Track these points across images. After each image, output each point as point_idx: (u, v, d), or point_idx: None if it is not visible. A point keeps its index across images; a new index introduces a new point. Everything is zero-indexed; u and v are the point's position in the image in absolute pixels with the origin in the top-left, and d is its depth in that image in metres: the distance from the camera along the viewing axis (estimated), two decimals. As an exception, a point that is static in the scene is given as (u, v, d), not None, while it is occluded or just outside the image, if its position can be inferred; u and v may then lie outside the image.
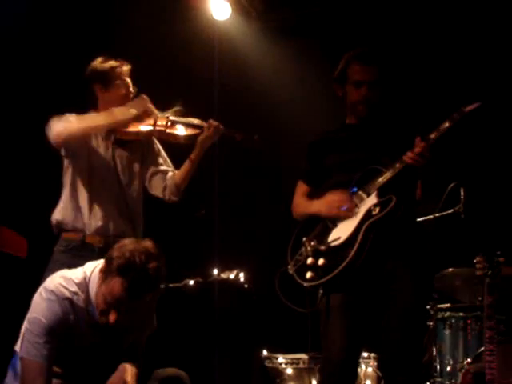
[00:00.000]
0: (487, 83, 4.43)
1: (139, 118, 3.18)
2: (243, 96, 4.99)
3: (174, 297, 3.94)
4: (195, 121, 3.25)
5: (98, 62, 3.26)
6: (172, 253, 4.61)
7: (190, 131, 3.23)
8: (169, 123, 3.21)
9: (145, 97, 3.23)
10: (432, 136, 2.67)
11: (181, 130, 3.23)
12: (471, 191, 3.92)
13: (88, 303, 2.47)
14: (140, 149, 3.31)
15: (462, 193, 3.91)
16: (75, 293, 2.47)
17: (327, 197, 2.82)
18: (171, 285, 3.96)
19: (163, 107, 3.30)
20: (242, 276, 4.05)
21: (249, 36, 5.06)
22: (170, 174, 3.31)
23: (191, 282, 3.98)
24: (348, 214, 2.76)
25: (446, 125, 2.66)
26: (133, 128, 3.21)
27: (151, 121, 3.21)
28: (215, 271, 4.12)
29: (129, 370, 2.49)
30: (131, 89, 3.27)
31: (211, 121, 3.21)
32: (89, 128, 3.15)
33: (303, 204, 2.97)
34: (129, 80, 3.27)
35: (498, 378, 3.16)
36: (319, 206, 2.84)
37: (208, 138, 3.20)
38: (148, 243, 2.45)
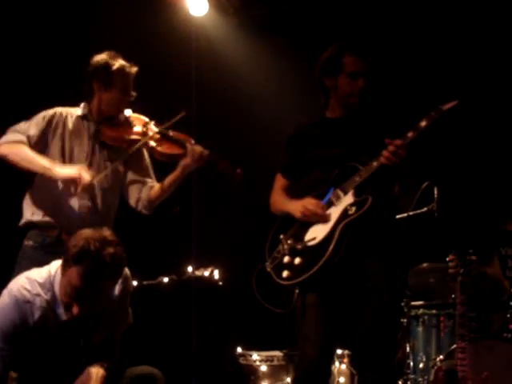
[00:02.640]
0: (464, 82, 4.48)
1: (69, 181, 3.04)
2: (220, 91, 4.98)
3: (149, 294, 3.93)
4: (183, 139, 3.20)
5: (106, 58, 3.16)
6: (146, 250, 4.62)
7: (175, 150, 3.18)
8: (157, 137, 3.17)
9: (86, 173, 3.04)
10: (409, 135, 2.66)
11: (166, 147, 3.18)
12: (444, 190, 3.96)
13: (53, 302, 2.45)
14: (124, 153, 3.23)
15: (435, 192, 3.95)
16: (37, 294, 2.45)
17: (303, 201, 2.79)
18: (146, 282, 3.96)
19: (149, 108, 3.25)
20: (216, 273, 4.05)
21: (226, 32, 5.05)
22: (147, 185, 3.27)
23: (166, 280, 3.97)
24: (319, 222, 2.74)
25: (424, 123, 2.65)
26: (120, 134, 3.16)
27: (140, 131, 3.16)
28: (190, 268, 4.12)
29: (93, 375, 2.45)
30: (132, 94, 3.20)
31: (197, 147, 3.16)
32: (23, 165, 3.05)
33: (280, 201, 2.95)
34: (131, 85, 3.19)
35: (469, 375, 3.20)
36: (294, 208, 2.82)
37: (191, 163, 3.15)
38: (105, 231, 2.44)
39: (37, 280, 2.48)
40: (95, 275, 2.33)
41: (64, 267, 2.40)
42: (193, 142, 3.21)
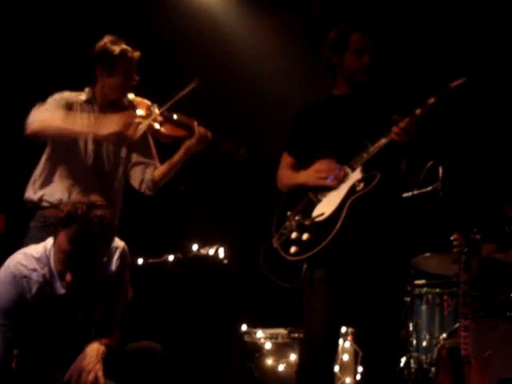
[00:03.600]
0: (471, 60, 4.46)
1: (119, 133, 3.09)
2: (224, 68, 4.96)
3: (154, 272, 3.95)
4: (186, 121, 3.20)
5: (109, 43, 3.15)
6: (152, 229, 4.63)
7: (179, 132, 3.18)
8: (160, 119, 3.16)
9: (133, 113, 3.12)
10: (417, 111, 2.65)
11: (170, 129, 3.18)
12: (449, 169, 3.96)
13: (50, 276, 2.46)
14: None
15: (440, 171, 3.95)
16: (33, 269, 2.46)
17: (315, 166, 2.80)
18: (151, 260, 3.97)
19: (151, 85, 3.23)
20: (221, 251, 4.06)
21: (228, 7, 5.02)
22: (150, 167, 3.28)
23: (171, 258, 3.98)
24: (335, 184, 2.74)
25: (432, 100, 2.64)
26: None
27: (144, 114, 3.16)
28: (195, 247, 4.13)
29: (93, 352, 2.45)
30: (135, 78, 3.20)
31: (201, 128, 3.17)
32: (67, 131, 3.06)
33: (289, 175, 2.95)
34: (134, 69, 3.18)
35: (472, 354, 3.22)
36: (306, 175, 2.82)
37: (195, 145, 3.16)
38: (93, 196, 2.46)
39: (33, 255, 2.49)
40: (83, 237, 2.34)
41: (54, 234, 2.42)
42: (196, 123, 3.20)
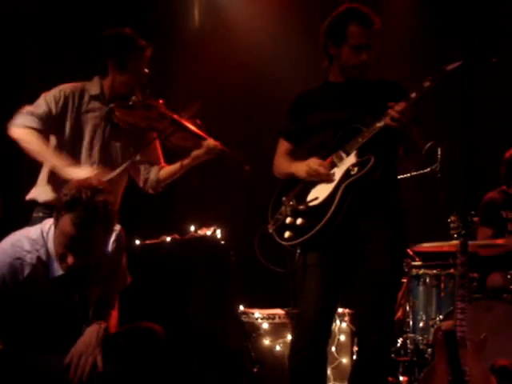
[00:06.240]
0: (467, 41, 4.43)
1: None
2: (224, 50, 4.94)
3: (151, 253, 3.97)
4: (196, 131, 3.22)
5: (123, 39, 3.12)
6: (149, 210, 4.63)
7: (187, 142, 3.22)
8: (170, 127, 3.18)
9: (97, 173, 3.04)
10: (412, 95, 2.63)
11: (178, 138, 3.20)
12: (448, 150, 3.94)
13: (47, 258, 2.47)
14: (138, 134, 3.27)
15: (439, 152, 3.93)
16: (28, 251, 2.46)
17: (308, 161, 2.78)
18: (148, 241, 3.99)
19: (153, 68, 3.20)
20: (219, 232, 4.06)
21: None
22: (155, 167, 3.31)
23: (168, 239, 3.99)
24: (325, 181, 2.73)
25: (427, 84, 2.62)
26: (133, 120, 3.17)
27: (155, 117, 3.17)
28: (192, 228, 4.13)
29: (93, 335, 2.47)
30: (146, 73, 3.19)
31: (210, 141, 3.21)
32: (34, 156, 3.07)
33: (284, 164, 2.94)
34: (146, 65, 3.18)
35: (468, 336, 3.23)
36: (299, 168, 2.81)
37: (202, 155, 3.23)
38: (95, 180, 2.50)
39: (29, 236, 2.49)
40: (88, 222, 2.35)
41: (56, 217, 2.42)
42: (206, 135, 3.21)
